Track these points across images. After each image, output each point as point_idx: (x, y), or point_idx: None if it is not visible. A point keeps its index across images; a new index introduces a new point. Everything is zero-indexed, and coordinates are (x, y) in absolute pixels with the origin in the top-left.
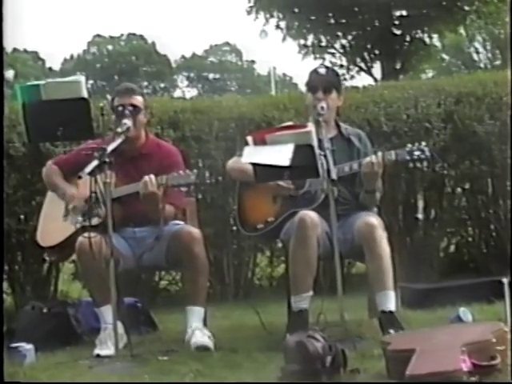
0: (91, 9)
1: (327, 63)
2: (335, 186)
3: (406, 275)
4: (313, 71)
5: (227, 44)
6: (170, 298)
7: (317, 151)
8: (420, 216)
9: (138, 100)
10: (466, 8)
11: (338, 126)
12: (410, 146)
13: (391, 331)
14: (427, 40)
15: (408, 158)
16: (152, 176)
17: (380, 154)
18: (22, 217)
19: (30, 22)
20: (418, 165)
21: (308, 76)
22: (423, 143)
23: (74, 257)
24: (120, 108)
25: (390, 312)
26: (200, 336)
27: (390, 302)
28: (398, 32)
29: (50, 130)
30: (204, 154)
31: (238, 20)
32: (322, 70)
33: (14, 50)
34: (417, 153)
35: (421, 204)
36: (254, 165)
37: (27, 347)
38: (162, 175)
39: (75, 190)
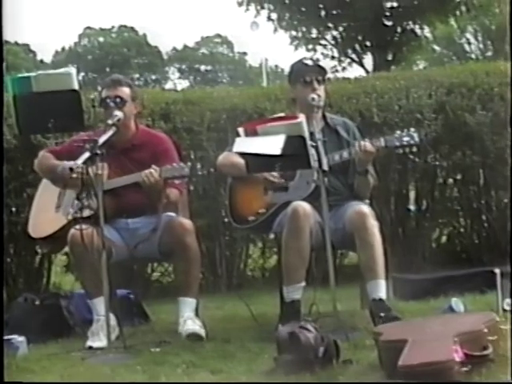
0: (82, 1)
1: (319, 55)
2: (326, 176)
3: (398, 266)
4: (300, 63)
5: (218, 36)
6: (162, 289)
7: (308, 142)
8: (412, 207)
9: (124, 91)
10: None
11: (324, 116)
12: (399, 132)
13: (382, 315)
14: (418, 31)
15: (397, 144)
16: (153, 166)
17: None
18: (13, 209)
19: (21, 15)
20: (407, 151)
21: (294, 68)
22: (412, 129)
23: (66, 249)
24: (107, 100)
25: (380, 299)
26: (191, 324)
27: (381, 290)
28: (389, 23)
29: (41, 122)
30: (196, 145)
31: (229, 12)
32: (310, 62)
33: (6, 42)
34: (406, 139)
35: (412, 195)
36: (246, 155)
37: (20, 339)
38: (156, 163)
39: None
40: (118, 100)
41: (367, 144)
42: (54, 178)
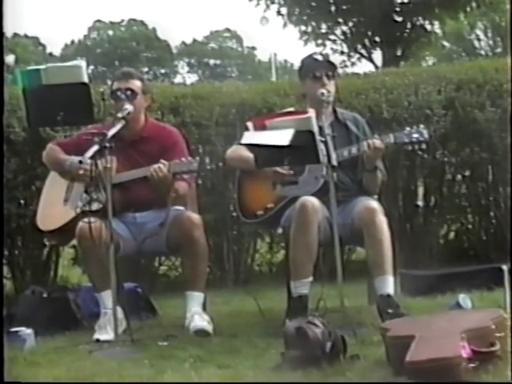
0: None
1: (328, 50)
2: (335, 171)
3: (405, 262)
4: (310, 58)
5: (228, 30)
6: (169, 283)
7: (317, 137)
8: (420, 203)
9: (136, 84)
10: None
11: (334, 111)
12: (408, 128)
13: (389, 311)
14: (428, 27)
15: (406, 140)
16: (162, 161)
17: (378, 136)
18: (21, 201)
19: (31, 7)
20: (417, 147)
21: (304, 63)
22: (421, 126)
23: (74, 242)
24: (117, 93)
25: (388, 295)
26: (199, 320)
27: (389, 286)
28: (399, 19)
29: (51, 115)
30: (204, 139)
31: (239, 6)
32: (320, 57)
33: (15, 35)
34: (415, 135)
35: (421, 191)
36: (254, 149)
37: (27, 332)
38: (165, 156)
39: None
40: (128, 93)
41: (376, 141)
42: (62, 171)
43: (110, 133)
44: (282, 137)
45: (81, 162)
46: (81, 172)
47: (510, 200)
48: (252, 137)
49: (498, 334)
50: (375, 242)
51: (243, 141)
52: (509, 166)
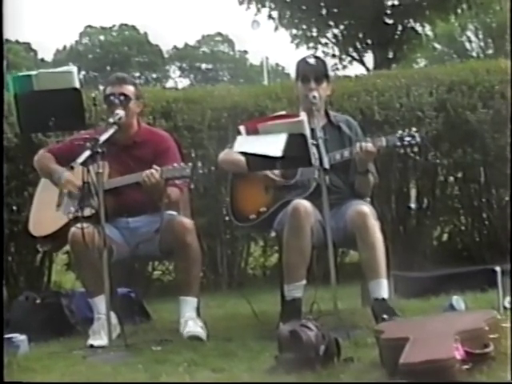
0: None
1: (319, 53)
2: (327, 174)
3: (399, 264)
4: (302, 61)
5: (219, 34)
6: (163, 287)
7: (309, 140)
8: (413, 205)
9: (129, 89)
10: None
11: (327, 114)
12: (400, 132)
13: (384, 317)
14: (419, 29)
15: (399, 143)
16: (154, 167)
17: (370, 140)
18: (14, 207)
19: (22, 13)
20: (409, 150)
21: (297, 66)
22: (414, 129)
23: (67, 247)
24: (111, 97)
25: (383, 299)
26: (193, 326)
27: (383, 289)
28: (390, 21)
29: (42, 121)
30: (196, 143)
31: (230, 10)
32: (312, 60)
33: (6, 40)
34: (407, 138)
35: (413, 193)
36: (246, 154)
37: (21, 338)
38: (157, 161)
39: (71, 175)
40: (122, 97)
41: (368, 144)
42: (51, 180)
43: (102, 138)
44: (274, 146)
45: (72, 167)
46: (66, 189)
47: (510, 203)
48: (245, 143)
49: (491, 336)
50: (368, 245)
51: (236, 148)
52: (509, 168)
